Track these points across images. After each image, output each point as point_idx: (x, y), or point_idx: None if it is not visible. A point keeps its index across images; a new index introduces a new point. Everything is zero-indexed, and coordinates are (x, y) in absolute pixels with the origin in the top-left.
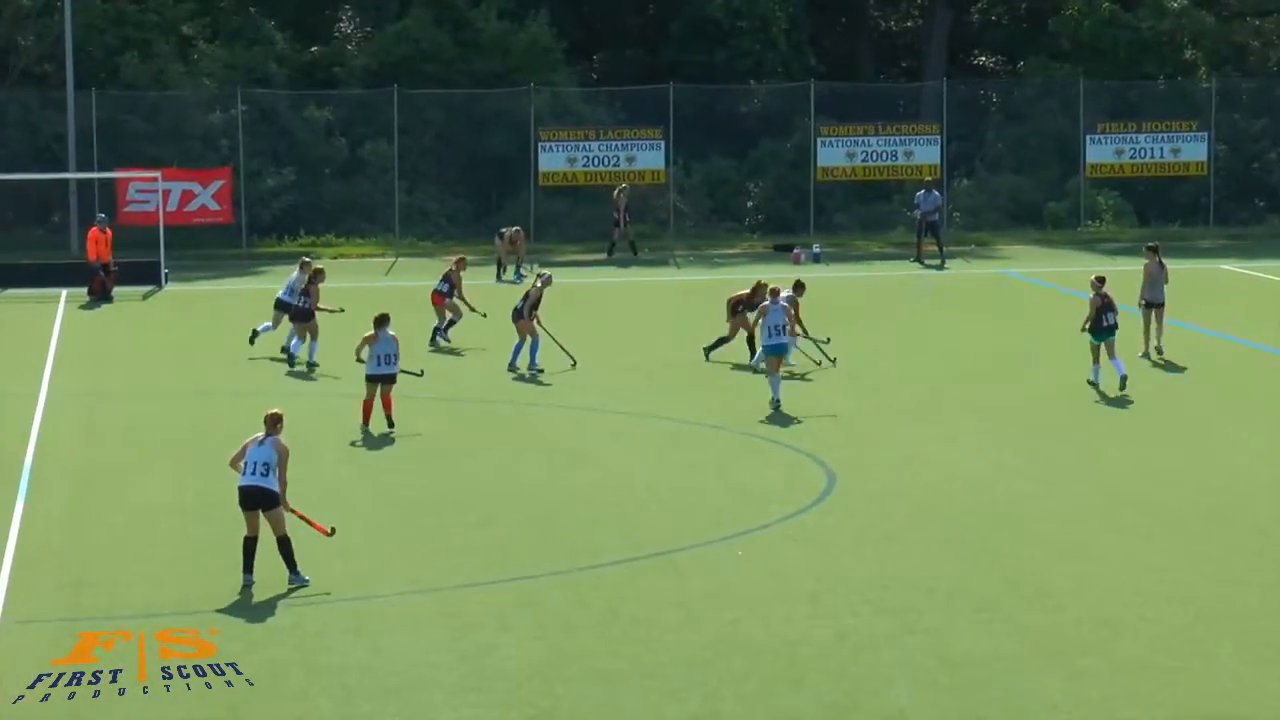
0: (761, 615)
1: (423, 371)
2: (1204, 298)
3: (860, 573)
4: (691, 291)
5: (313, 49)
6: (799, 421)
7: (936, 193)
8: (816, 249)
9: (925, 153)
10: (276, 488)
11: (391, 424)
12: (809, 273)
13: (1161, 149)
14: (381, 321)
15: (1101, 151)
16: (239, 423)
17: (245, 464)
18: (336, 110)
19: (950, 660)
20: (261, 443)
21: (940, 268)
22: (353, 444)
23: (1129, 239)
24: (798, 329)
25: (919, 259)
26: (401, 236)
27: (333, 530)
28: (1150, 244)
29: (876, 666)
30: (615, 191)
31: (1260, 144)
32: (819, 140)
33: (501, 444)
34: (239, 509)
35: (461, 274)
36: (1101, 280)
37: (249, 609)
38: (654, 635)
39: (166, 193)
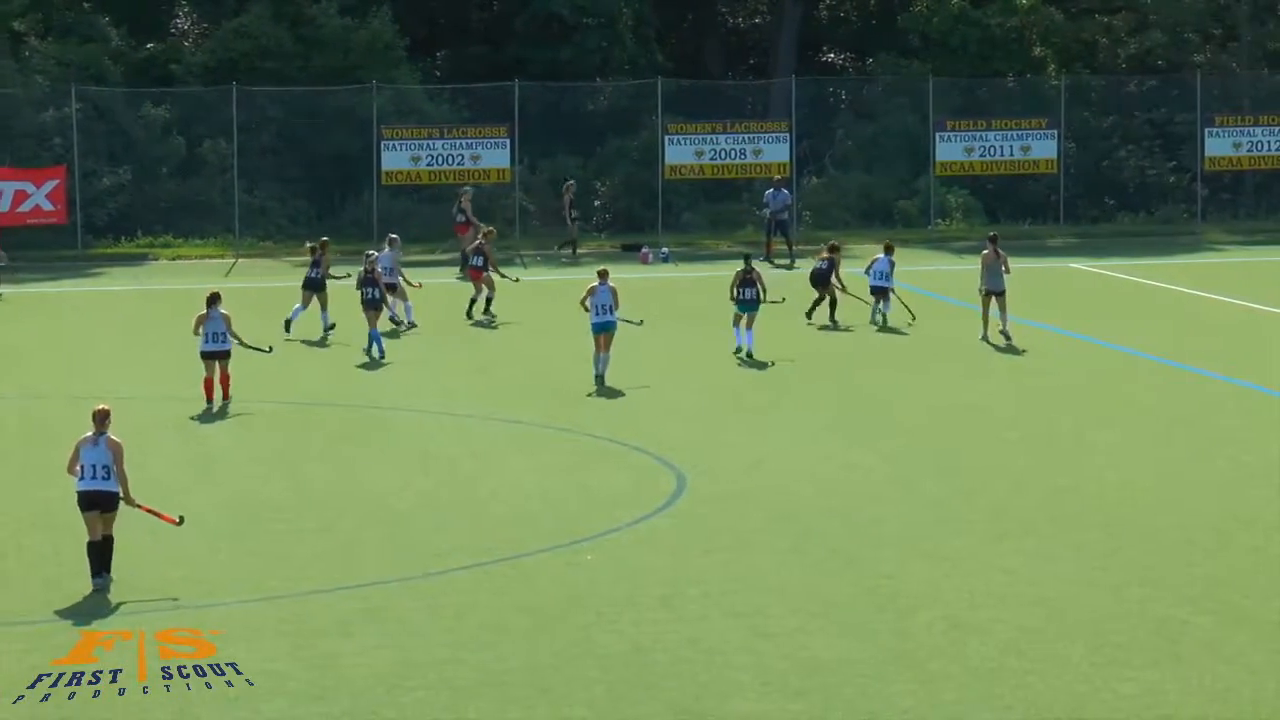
0: (611, 620)
1: (271, 348)
2: (1054, 296)
3: (711, 577)
4: (538, 292)
5: (149, 45)
6: (648, 424)
7: (786, 191)
8: (665, 250)
9: (774, 151)
10: (117, 489)
11: (226, 397)
12: (658, 273)
13: (1011, 147)
14: (212, 300)
15: (951, 149)
16: (75, 428)
17: (83, 467)
18: (174, 108)
19: (802, 664)
20: (95, 443)
21: (790, 267)
22: (193, 436)
23: (979, 237)
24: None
25: (768, 258)
26: (241, 237)
27: (181, 519)
28: (991, 234)
29: (728, 671)
30: (563, 188)
31: (1109, 141)
32: (667, 138)
33: (346, 447)
34: (77, 513)
35: (491, 246)
36: (746, 258)
37: (90, 613)
38: (502, 642)
39: None
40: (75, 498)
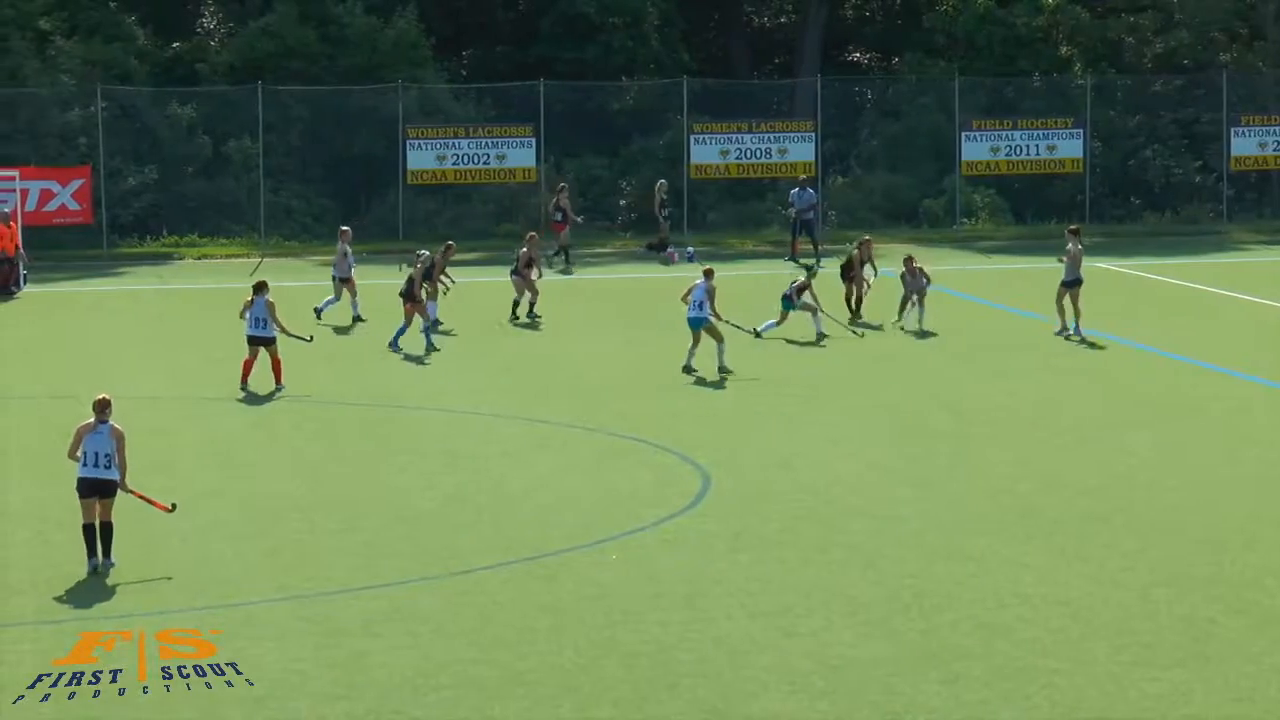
0: (635, 620)
1: (311, 338)
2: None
3: (735, 576)
4: (563, 292)
5: (174, 45)
6: (673, 423)
7: (811, 190)
8: (690, 249)
9: (799, 150)
10: (117, 476)
11: (278, 383)
12: (683, 272)
13: (1037, 146)
14: (258, 288)
15: (977, 149)
16: None
17: (84, 454)
18: (199, 107)
19: (827, 664)
20: (97, 431)
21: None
22: (217, 436)
23: (1005, 237)
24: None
25: (793, 258)
26: (267, 236)
27: (173, 506)
28: (1072, 227)
29: (752, 671)
30: (655, 186)
31: (1135, 141)
32: (692, 138)
33: (370, 446)
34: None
35: (535, 253)
36: (808, 269)
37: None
38: (526, 641)
39: (24, 192)
40: (75, 483)
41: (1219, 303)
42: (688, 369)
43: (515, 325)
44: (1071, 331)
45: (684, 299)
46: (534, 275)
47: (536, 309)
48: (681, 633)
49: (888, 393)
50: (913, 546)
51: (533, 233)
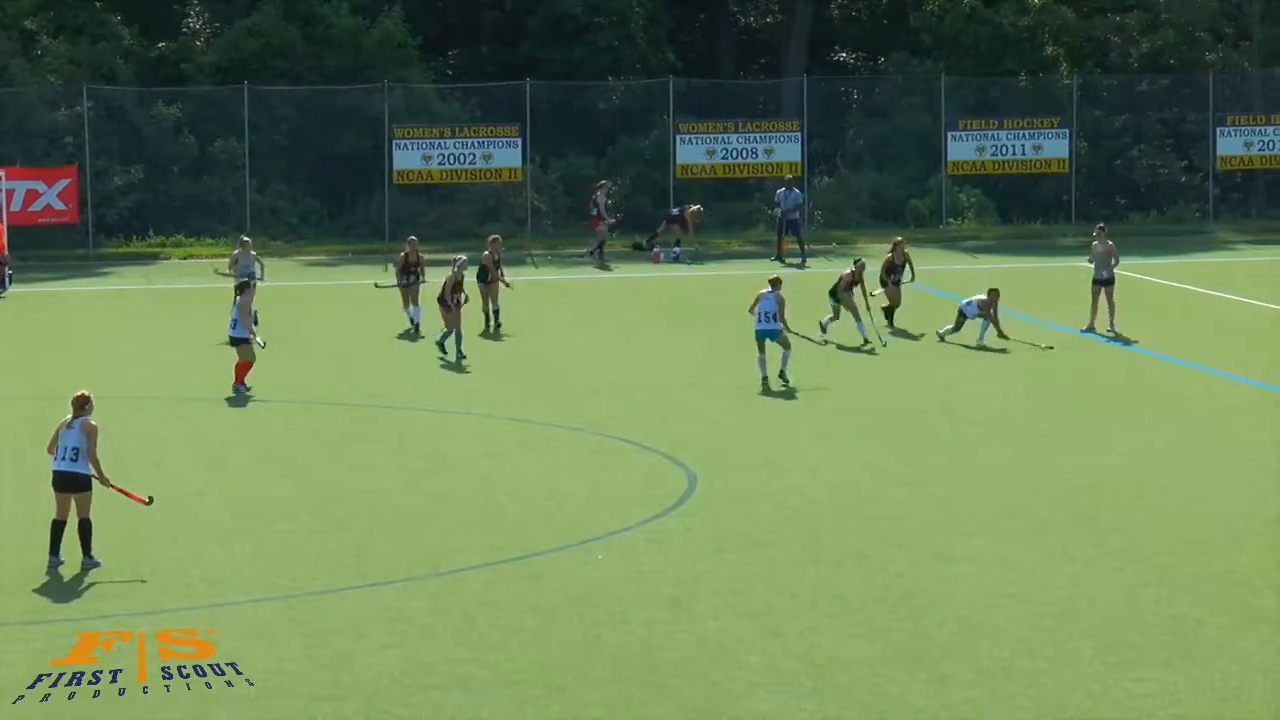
0: (622, 620)
1: (265, 343)
2: (1066, 296)
3: (722, 576)
4: (549, 291)
5: (160, 45)
6: (659, 423)
7: (798, 190)
8: (677, 249)
9: (786, 150)
10: (88, 471)
11: (236, 389)
12: (671, 272)
13: (1023, 146)
14: (236, 290)
15: (963, 149)
16: None
17: (57, 449)
18: (185, 107)
19: (814, 664)
20: (70, 426)
21: (802, 266)
22: (205, 436)
23: (991, 236)
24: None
25: (780, 257)
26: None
27: (150, 499)
28: (1100, 225)
29: (739, 671)
30: (696, 209)
31: (1121, 141)
32: (678, 137)
33: (358, 447)
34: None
35: (499, 255)
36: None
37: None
38: (513, 641)
39: (10, 192)
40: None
41: (1205, 303)
42: (766, 380)
43: (486, 337)
44: (1110, 330)
45: (751, 311)
46: (504, 279)
47: (501, 318)
48: (668, 632)
49: (876, 392)
50: (900, 546)
51: (495, 235)
